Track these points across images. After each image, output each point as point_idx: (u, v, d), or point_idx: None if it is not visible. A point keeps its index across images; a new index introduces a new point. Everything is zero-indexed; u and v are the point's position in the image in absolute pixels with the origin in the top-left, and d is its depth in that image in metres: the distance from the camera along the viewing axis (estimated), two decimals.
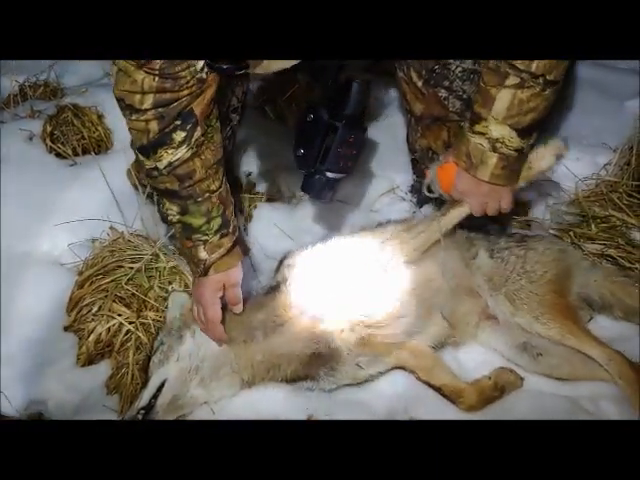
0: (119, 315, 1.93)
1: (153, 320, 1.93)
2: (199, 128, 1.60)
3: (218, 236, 1.70)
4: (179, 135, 1.57)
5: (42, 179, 2.26)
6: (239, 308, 1.76)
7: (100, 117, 2.53)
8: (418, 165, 2.34)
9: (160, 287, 1.98)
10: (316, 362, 1.74)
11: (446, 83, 1.91)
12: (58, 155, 2.40)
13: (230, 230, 1.73)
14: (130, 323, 1.92)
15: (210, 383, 1.75)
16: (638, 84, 2.53)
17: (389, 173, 2.44)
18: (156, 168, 1.62)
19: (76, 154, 2.44)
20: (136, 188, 2.22)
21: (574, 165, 2.30)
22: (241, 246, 1.82)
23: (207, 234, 1.68)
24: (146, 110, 1.54)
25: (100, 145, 2.51)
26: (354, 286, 1.78)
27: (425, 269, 1.83)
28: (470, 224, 2.22)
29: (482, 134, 1.61)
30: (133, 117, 1.57)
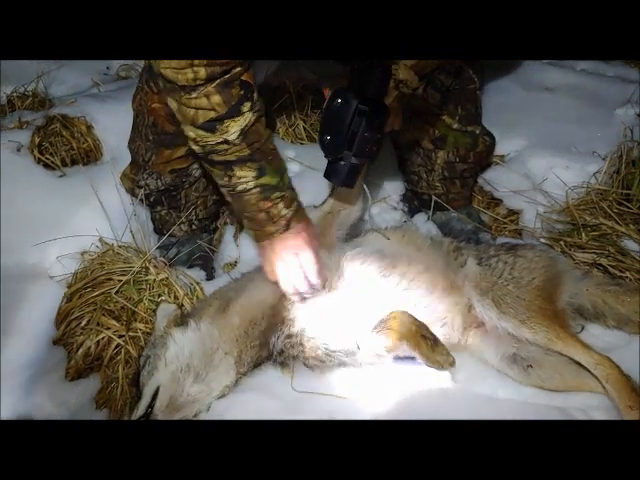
0: (108, 329, 1.92)
1: (143, 333, 1.92)
2: (255, 93, 1.63)
3: (290, 190, 1.75)
4: (246, 106, 1.60)
5: (30, 190, 2.24)
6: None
7: (89, 128, 2.51)
8: (404, 163, 2.34)
9: (150, 300, 1.97)
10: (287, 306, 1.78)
11: None
12: (46, 166, 2.38)
13: (292, 184, 1.79)
14: (120, 337, 1.92)
15: (207, 375, 1.73)
16: (628, 92, 2.54)
17: (380, 182, 2.43)
18: (225, 141, 1.62)
19: (65, 165, 2.42)
20: (132, 194, 2.22)
21: (564, 173, 2.32)
22: None
23: (283, 190, 1.71)
24: (202, 85, 1.54)
25: (89, 156, 2.49)
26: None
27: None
28: (459, 233, 2.24)
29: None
30: (193, 95, 1.56)
